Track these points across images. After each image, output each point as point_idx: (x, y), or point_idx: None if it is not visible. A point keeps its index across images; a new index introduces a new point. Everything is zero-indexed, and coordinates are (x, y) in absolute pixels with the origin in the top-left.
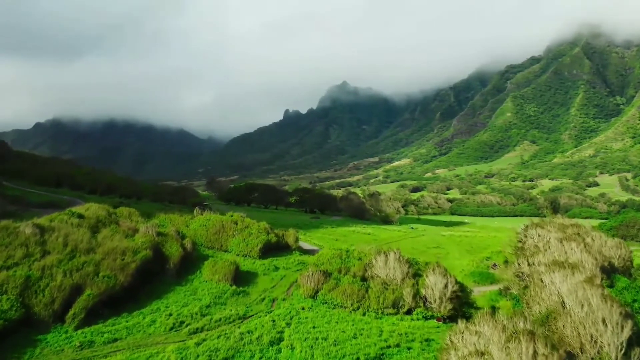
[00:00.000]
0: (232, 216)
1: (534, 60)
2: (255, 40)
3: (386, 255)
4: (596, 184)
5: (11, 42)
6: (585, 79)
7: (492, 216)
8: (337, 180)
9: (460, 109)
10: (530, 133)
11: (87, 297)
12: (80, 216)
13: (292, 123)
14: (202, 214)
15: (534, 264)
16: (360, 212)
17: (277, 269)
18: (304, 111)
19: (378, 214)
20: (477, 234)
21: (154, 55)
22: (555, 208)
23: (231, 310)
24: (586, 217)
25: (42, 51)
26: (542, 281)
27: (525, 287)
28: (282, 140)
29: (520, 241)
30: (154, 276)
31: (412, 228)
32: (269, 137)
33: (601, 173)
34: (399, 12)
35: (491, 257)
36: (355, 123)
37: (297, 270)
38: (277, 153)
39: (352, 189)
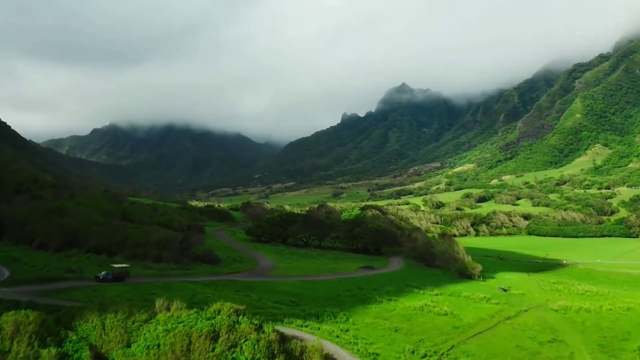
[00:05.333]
0: (217, 314)
1: (602, 57)
2: (312, 45)
3: None
4: None
5: (69, 50)
6: None
7: (577, 236)
8: (397, 188)
9: (526, 110)
10: (602, 135)
11: None
12: None
13: (350, 126)
14: (168, 309)
15: None
16: (427, 257)
17: None
18: (362, 114)
19: (453, 262)
20: (603, 303)
21: (212, 60)
22: None
23: None
24: None
25: (99, 58)
26: None
27: None
28: (340, 144)
29: None
30: None
31: (504, 290)
32: (326, 141)
33: None
34: (457, 8)
35: None
36: (414, 126)
37: None
38: (335, 157)
39: (412, 198)
